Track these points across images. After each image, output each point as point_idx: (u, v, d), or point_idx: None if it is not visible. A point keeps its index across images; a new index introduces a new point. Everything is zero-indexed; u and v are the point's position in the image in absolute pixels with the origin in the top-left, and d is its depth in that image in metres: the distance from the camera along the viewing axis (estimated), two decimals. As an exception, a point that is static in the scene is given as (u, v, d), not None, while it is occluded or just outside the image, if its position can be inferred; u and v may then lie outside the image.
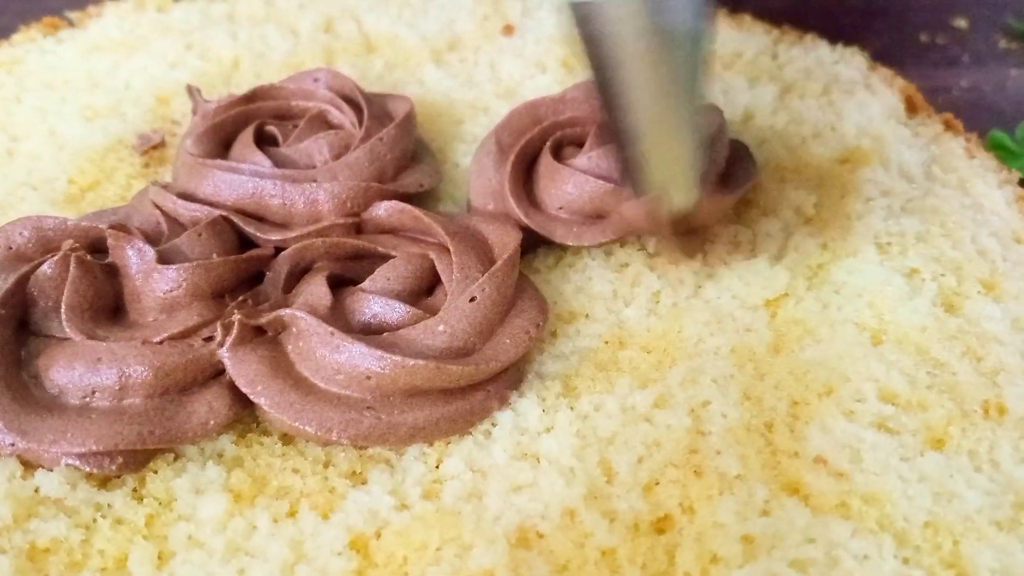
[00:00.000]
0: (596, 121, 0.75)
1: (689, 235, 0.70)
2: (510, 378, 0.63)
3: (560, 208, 0.71)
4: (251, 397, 0.60)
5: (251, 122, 0.76)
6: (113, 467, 0.58)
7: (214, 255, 0.66)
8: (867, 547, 0.54)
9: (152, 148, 0.81)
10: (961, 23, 1.16)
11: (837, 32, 0.95)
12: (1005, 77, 1.09)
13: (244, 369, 0.60)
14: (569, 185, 0.70)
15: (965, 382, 0.63)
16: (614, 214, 0.70)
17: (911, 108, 0.85)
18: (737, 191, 0.72)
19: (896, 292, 0.68)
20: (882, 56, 0.92)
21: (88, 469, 0.58)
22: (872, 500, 0.56)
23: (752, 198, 0.76)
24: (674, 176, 0.64)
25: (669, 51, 0.58)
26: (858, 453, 0.59)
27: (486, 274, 0.64)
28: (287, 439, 0.61)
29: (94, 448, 0.57)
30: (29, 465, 0.59)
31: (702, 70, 0.61)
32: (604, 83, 0.60)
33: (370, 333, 0.62)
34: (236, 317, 0.61)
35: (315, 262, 0.68)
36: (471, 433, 0.61)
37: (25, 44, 0.92)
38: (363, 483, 0.59)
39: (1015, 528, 0.56)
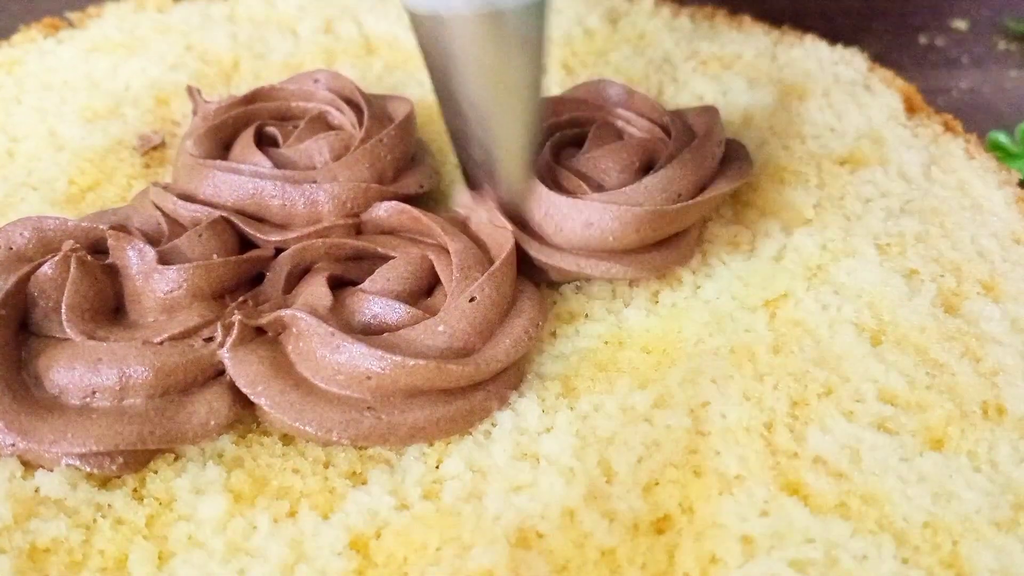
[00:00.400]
0: (597, 121, 0.75)
1: (676, 239, 0.70)
2: (510, 378, 0.63)
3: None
4: (251, 397, 0.60)
5: (251, 123, 0.76)
6: (113, 467, 0.58)
7: (214, 256, 0.66)
8: (866, 547, 0.54)
9: (152, 149, 0.81)
10: (960, 25, 1.16)
11: (836, 34, 0.95)
12: (1004, 78, 1.09)
13: (244, 369, 0.60)
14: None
15: (964, 383, 0.63)
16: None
17: (911, 109, 0.85)
18: (718, 189, 0.71)
19: (895, 293, 0.68)
20: (882, 58, 0.93)
21: (88, 469, 0.58)
22: (871, 500, 0.57)
23: (751, 199, 0.76)
24: (501, 166, 0.66)
25: (496, 33, 0.59)
26: (857, 453, 0.59)
27: (485, 274, 0.64)
28: (287, 439, 0.61)
29: (94, 448, 0.57)
30: (29, 465, 0.59)
31: (536, 53, 0.62)
32: (431, 68, 0.64)
33: (370, 334, 0.62)
34: (236, 317, 0.61)
35: (315, 263, 0.68)
36: (471, 433, 0.61)
37: (25, 45, 0.92)
38: (363, 483, 0.59)
39: (1014, 528, 0.56)
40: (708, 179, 0.72)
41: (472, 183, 0.70)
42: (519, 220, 0.68)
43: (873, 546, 0.54)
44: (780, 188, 0.77)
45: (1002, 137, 0.96)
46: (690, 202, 0.69)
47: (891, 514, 0.56)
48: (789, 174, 0.78)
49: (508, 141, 0.65)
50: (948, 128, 0.83)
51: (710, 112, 0.75)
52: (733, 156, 0.75)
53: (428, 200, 0.75)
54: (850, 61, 0.90)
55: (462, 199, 0.71)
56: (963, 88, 1.08)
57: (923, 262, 0.71)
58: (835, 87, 0.87)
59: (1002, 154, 0.93)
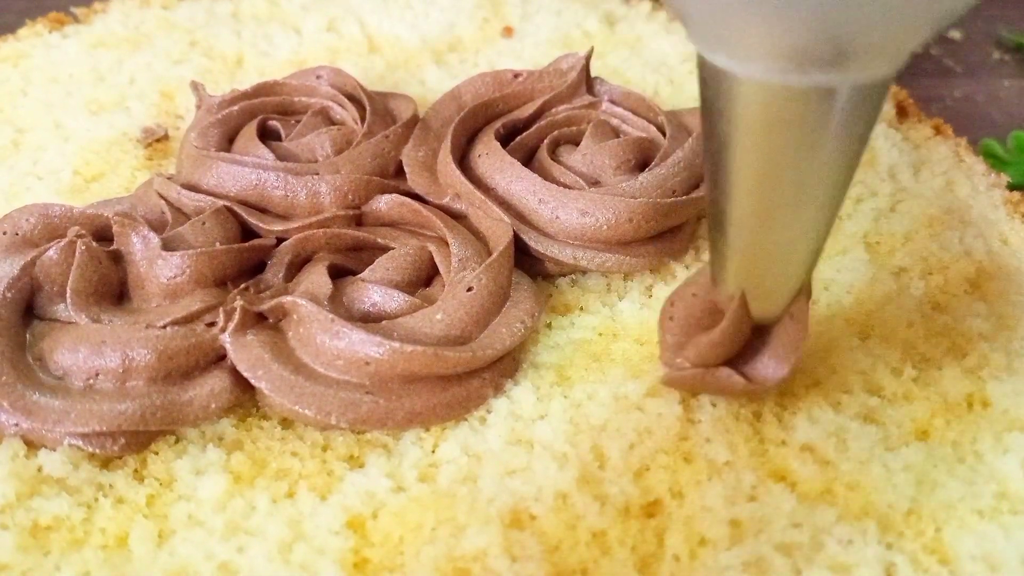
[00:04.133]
0: (593, 120, 0.76)
1: (670, 234, 0.68)
2: (505, 366, 0.64)
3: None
4: (252, 381, 0.61)
5: (254, 117, 0.77)
6: (115, 448, 0.59)
7: (217, 244, 0.67)
8: (851, 532, 0.55)
9: (156, 141, 0.83)
10: (955, 35, 1.18)
11: (831, 41, 0.96)
12: (998, 88, 1.10)
13: (245, 354, 0.62)
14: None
15: (950, 376, 0.64)
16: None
17: (902, 113, 0.86)
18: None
19: (884, 290, 0.69)
20: (876, 65, 0.94)
21: (91, 449, 0.59)
22: (856, 487, 0.58)
23: (745, 197, 0.77)
24: (768, 280, 0.55)
25: (828, 118, 0.44)
26: (844, 442, 0.60)
27: (483, 265, 0.65)
28: (286, 423, 0.62)
29: (97, 429, 0.58)
30: (32, 445, 0.60)
31: (858, 149, 0.47)
32: (716, 149, 0.48)
33: (369, 321, 0.63)
34: (238, 303, 0.62)
35: (316, 252, 0.69)
36: (467, 419, 0.62)
37: (31, 39, 0.94)
38: (361, 466, 0.60)
39: (996, 516, 0.57)
40: (702, 177, 0.73)
41: (715, 274, 0.58)
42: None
43: (858, 531, 0.56)
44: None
45: (994, 145, 0.97)
46: (683, 198, 0.70)
47: (876, 501, 0.57)
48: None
49: (783, 250, 0.53)
50: (938, 132, 0.84)
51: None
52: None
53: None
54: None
55: (701, 278, 0.61)
56: (957, 96, 1.09)
57: (912, 261, 0.72)
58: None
59: (994, 161, 0.94)
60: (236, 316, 0.62)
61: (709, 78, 0.46)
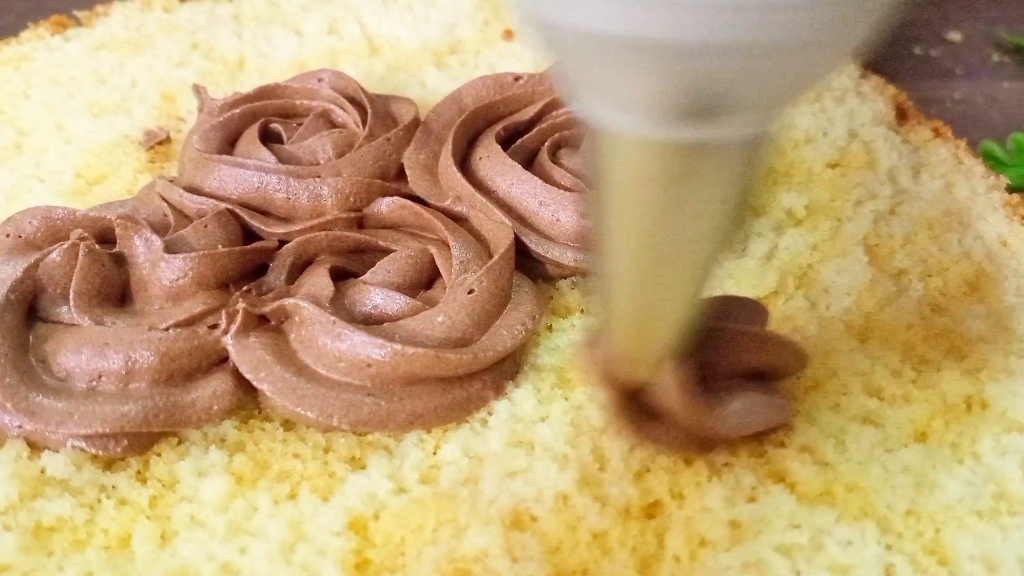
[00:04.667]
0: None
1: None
2: (506, 369, 0.64)
3: None
4: (254, 383, 0.61)
5: (256, 120, 0.77)
6: (118, 449, 0.60)
7: (219, 246, 0.67)
8: (851, 533, 0.56)
9: (157, 144, 0.83)
10: (955, 37, 1.18)
11: (832, 43, 0.97)
12: (997, 90, 1.10)
13: (247, 356, 0.62)
14: None
15: (949, 378, 0.64)
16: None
17: (901, 115, 0.87)
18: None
19: (883, 292, 0.70)
20: (877, 68, 0.94)
21: (93, 451, 0.59)
22: (856, 489, 0.58)
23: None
24: (643, 341, 0.52)
25: (700, 177, 0.41)
26: (843, 444, 0.60)
27: (484, 267, 0.65)
28: (288, 425, 0.62)
29: (100, 430, 0.59)
30: (35, 446, 0.60)
31: (737, 210, 0.44)
32: (597, 201, 0.45)
33: (371, 323, 0.63)
34: (240, 305, 0.62)
35: (318, 255, 0.69)
36: (468, 421, 0.62)
37: (32, 42, 0.94)
38: (362, 468, 0.60)
39: (995, 517, 0.57)
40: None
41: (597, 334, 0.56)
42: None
43: (857, 532, 0.56)
44: (772, 190, 0.78)
45: (994, 146, 0.97)
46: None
47: (875, 502, 0.57)
48: (781, 176, 0.80)
49: (655, 308, 0.49)
50: (938, 134, 0.84)
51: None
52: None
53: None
54: (842, 68, 0.92)
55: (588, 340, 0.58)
56: (956, 99, 1.09)
57: (911, 263, 0.72)
58: (827, 93, 0.88)
59: (994, 163, 0.94)
60: (238, 318, 0.62)
61: (590, 139, 0.43)
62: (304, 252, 0.69)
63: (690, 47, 0.35)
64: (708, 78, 0.37)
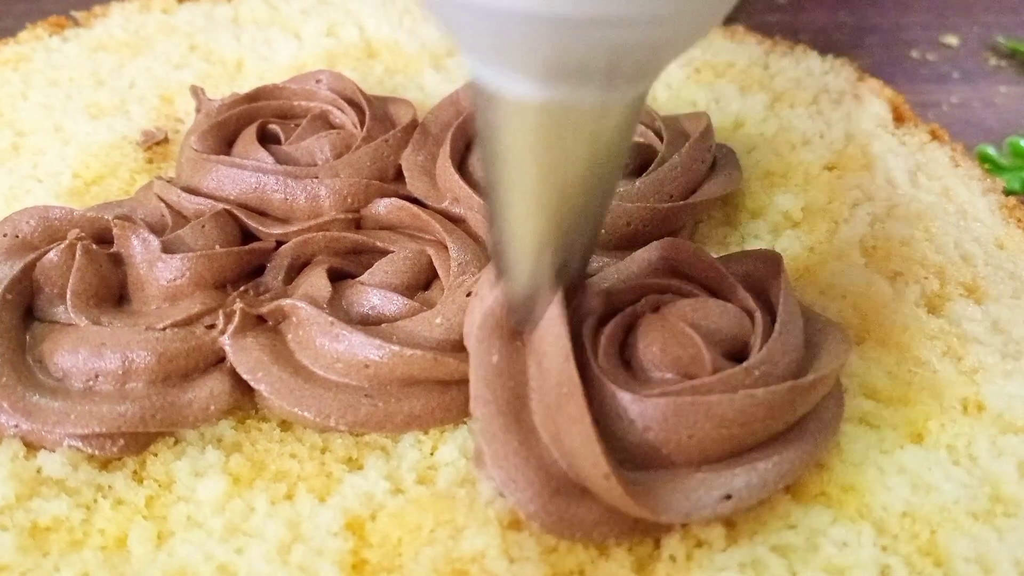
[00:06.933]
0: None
1: None
2: (504, 370, 0.64)
3: None
4: (251, 383, 0.61)
5: (254, 120, 0.77)
6: (114, 449, 0.60)
7: (217, 246, 0.67)
8: (847, 534, 0.56)
9: (155, 144, 0.83)
10: (952, 41, 1.18)
11: (830, 48, 0.97)
12: (994, 93, 1.11)
13: (245, 356, 0.62)
14: None
15: (945, 380, 0.64)
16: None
17: (898, 118, 0.87)
18: (707, 193, 0.71)
19: (880, 294, 0.70)
20: (874, 71, 0.94)
21: (90, 451, 0.59)
22: (852, 490, 0.58)
23: (741, 202, 0.78)
24: (523, 266, 0.55)
25: (563, 130, 0.47)
26: (839, 445, 0.60)
27: (483, 270, 0.65)
28: (285, 425, 0.62)
29: (96, 430, 0.59)
30: (32, 446, 0.60)
31: (608, 161, 0.50)
32: (483, 143, 0.51)
33: (368, 324, 0.63)
34: (238, 306, 0.62)
35: (315, 256, 0.70)
36: (465, 422, 0.62)
37: (31, 42, 0.94)
38: (359, 468, 0.60)
39: (991, 519, 0.57)
40: (699, 182, 0.73)
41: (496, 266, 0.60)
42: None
43: (853, 533, 0.56)
44: (770, 192, 0.78)
45: (991, 150, 0.98)
46: (681, 203, 0.70)
47: (871, 503, 0.57)
48: (778, 178, 0.80)
49: (530, 239, 0.54)
50: (934, 137, 0.84)
51: (702, 118, 0.77)
52: (723, 161, 0.77)
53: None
54: (839, 71, 0.92)
55: (484, 276, 0.62)
56: (953, 102, 1.10)
57: (907, 265, 0.72)
58: (824, 96, 0.89)
59: (991, 166, 0.95)
60: (236, 318, 0.62)
61: (480, 101, 0.49)
62: (302, 253, 0.69)
63: (557, 18, 0.41)
64: (575, 46, 0.42)
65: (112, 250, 0.67)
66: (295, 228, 0.70)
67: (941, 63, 1.15)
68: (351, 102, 0.79)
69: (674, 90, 0.90)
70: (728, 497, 0.54)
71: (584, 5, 0.41)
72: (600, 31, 0.42)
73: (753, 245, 0.74)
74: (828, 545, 0.55)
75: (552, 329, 0.56)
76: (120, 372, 0.61)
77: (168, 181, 0.73)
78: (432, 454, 0.61)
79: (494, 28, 0.43)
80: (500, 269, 0.58)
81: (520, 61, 0.44)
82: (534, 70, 0.44)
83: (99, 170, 0.80)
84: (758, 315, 0.59)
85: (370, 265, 0.67)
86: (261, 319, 0.64)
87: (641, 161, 0.74)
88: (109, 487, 0.59)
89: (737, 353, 0.59)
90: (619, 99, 0.47)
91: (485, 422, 0.56)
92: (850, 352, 0.62)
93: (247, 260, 0.68)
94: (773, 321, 0.59)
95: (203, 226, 0.68)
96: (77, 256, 0.64)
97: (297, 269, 0.69)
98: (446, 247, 0.68)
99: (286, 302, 0.63)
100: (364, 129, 0.75)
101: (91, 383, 0.61)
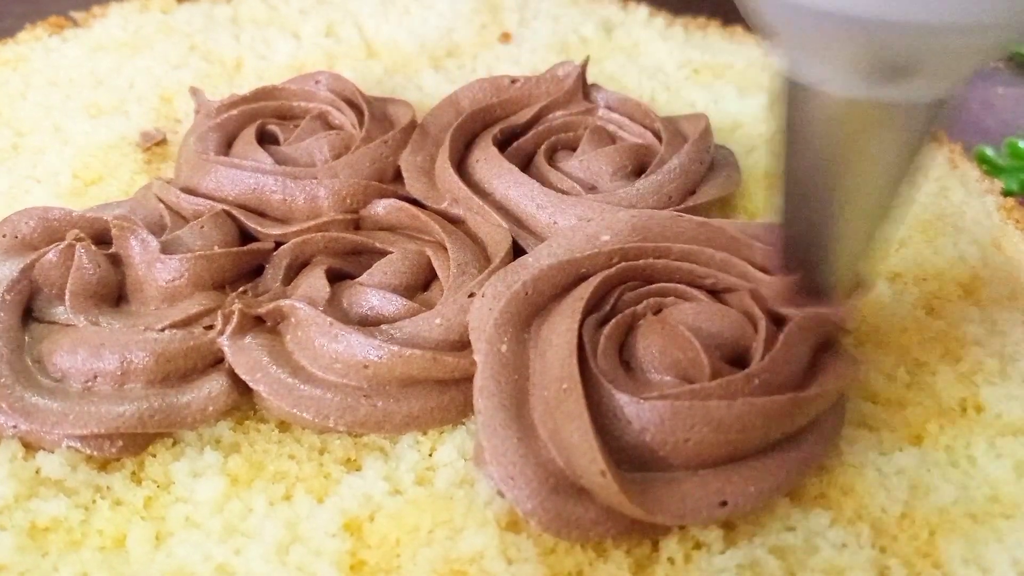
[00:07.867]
0: (590, 126, 0.77)
1: None
2: (502, 371, 0.64)
3: None
4: (250, 384, 0.61)
5: (253, 121, 0.77)
6: (113, 450, 0.60)
7: (215, 247, 0.67)
8: (845, 536, 0.56)
9: (155, 145, 0.83)
10: (950, 43, 1.18)
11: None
12: (992, 95, 1.11)
13: (243, 357, 0.62)
14: None
15: (944, 381, 0.64)
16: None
17: (897, 120, 0.87)
18: (706, 195, 0.72)
19: (878, 295, 0.70)
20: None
21: (88, 451, 0.59)
22: (850, 491, 0.58)
23: (740, 203, 0.78)
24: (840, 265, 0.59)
25: (892, 130, 0.51)
26: (837, 447, 0.60)
27: (484, 272, 0.65)
28: (284, 426, 0.62)
29: (95, 431, 0.59)
30: (31, 447, 0.60)
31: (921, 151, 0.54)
32: (790, 140, 0.54)
33: (367, 325, 0.63)
34: (236, 306, 0.62)
35: (314, 256, 0.70)
36: (464, 423, 0.62)
37: (30, 43, 0.94)
38: (358, 469, 0.60)
39: (989, 520, 0.57)
40: (697, 183, 0.73)
41: (788, 267, 0.61)
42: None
43: (851, 535, 0.56)
44: (768, 193, 0.78)
45: (989, 151, 0.98)
46: (679, 207, 0.70)
47: (869, 505, 0.57)
48: (777, 180, 0.80)
49: (852, 240, 0.57)
50: (933, 137, 0.84)
51: (701, 119, 0.77)
52: (722, 162, 0.77)
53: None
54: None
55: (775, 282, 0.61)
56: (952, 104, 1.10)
57: (906, 266, 0.72)
58: (824, 97, 0.89)
59: (989, 167, 0.95)
60: (234, 319, 0.62)
61: (792, 95, 0.52)
62: (300, 253, 0.69)
63: (882, 23, 0.45)
64: (897, 49, 0.46)
65: (111, 251, 0.67)
66: (294, 229, 0.70)
67: (940, 64, 1.15)
68: (350, 103, 0.79)
69: (672, 91, 0.90)
70: (724, 504, 0.54)
71: (923, 12, 0.44)
72: (927, 36, 0.45)
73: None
74: (827, 547, 0.55)
75: (564, 321, 0.56)
76: (119, 373, 0.61)
77: (167, 182, 0.73)
78: (431, 455, 0.61)
79: (828, 30, 0.47)
80: (788, 263, 0.60)
81: (845, 60, 0.48)
82: (856, 69, 0.48)
83: (98, 170, 0.80)
84: (762, 323, 0.59)
85: (369, 266, 0.67)
86: (260, 320, 0.64)
87: (640, 162, 0.74)
88: (108, 488, 0.59)
89: (738, 358, 0.59)
90: (929, 97, 0.50)
91: (487, 415, 0.56)
92: (857, 374, 0.62)
93: (246, 261, 0.68)
94: (778, 329, 0.59)
95: (202, 227, 0.68)
96: (76, 257, 0.64)
97: (296, 270, 0.69)
98: (445, 248, 0.68)
99: (285, 303, 0.63)
100: (363, 130, 0.75)
101: (90, 384, 0.61)
